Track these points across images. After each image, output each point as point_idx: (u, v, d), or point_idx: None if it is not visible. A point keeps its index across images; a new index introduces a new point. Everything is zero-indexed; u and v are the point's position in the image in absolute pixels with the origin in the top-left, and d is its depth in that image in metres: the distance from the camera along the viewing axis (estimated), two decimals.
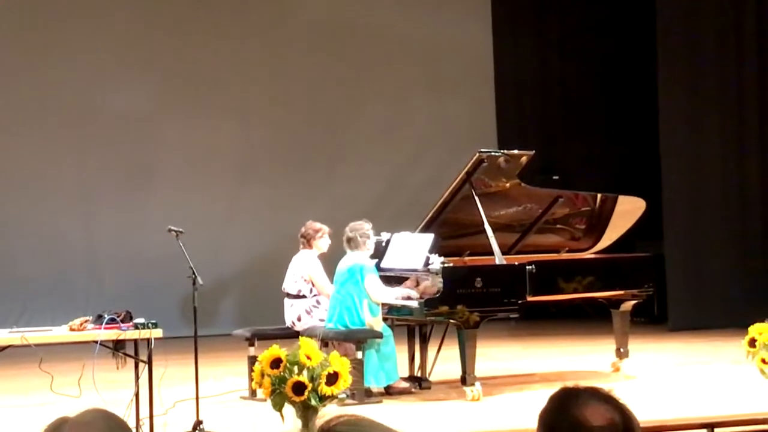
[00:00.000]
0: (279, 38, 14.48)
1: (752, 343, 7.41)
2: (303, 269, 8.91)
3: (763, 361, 7.29)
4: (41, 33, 13.69)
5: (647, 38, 13.99)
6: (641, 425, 2.48)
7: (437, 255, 8.38)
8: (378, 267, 8.72)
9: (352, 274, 8.26)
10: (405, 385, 8.70)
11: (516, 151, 8.98)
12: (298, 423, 6.90)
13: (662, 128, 13.56)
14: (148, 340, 7.41)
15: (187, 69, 14.17)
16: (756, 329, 7.45)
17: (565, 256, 9.62)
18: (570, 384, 2.55)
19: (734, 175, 13.67)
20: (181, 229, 8.19)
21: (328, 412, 2.63)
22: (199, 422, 7.43)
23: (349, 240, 8.43)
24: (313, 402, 6.82)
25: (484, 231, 8.65)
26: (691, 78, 13.61)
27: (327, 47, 14.64)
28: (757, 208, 13.69)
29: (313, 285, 8.85)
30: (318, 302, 8.84)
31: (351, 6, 14.72)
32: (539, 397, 2.69)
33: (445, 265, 8.27)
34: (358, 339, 8.16)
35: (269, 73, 14.46)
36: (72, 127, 13.78)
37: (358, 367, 7.89)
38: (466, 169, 8.77)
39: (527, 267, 8.46)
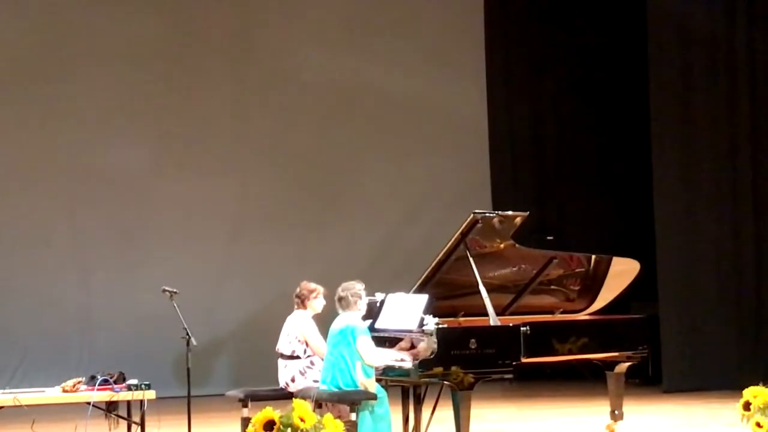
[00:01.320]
0: (274, 98, 14.55)
1: (747, 406, 7.38)
2: (297, 330, 8.88)
3: (758, 425, 7.26)
4: (34, 92, 13.74)
5: (641, 98, 14.09)
6: None
7: (432, 316, 8.36)
8: (372, 327, 8.69)
9: (344, 335, 8.22)
10: None
11: (510, 212, 9.00)
12: None
13: (656, 189, 13.62)
14: (141, 401, 7.39)
15: (182, 128, 14.22)
16: (751, 392, 7.42)
17: (559, 317, 9.61)
18: None
19: (728, 237, 13.70)
20: (175, 290, 8.22)
21: None
22: None
23: (341, 299, 8.40)
24: None
25: (478, 292, 8.64)
26: (685, 140, 13.69)
27: (322, 107, 14.72)
28: (751, 269, 13.70)
29: (307, 345, 8.82)
30: (312, 363, 8.80)
31: (347, 66, 14.80)
32: None
33: (440, 326, 8.26)
34: (352, 400, 8.12)
35: (264, 133, 14.51)
36: (65, 186, 13.79)
37: (351, 429, 7.84)
38: (460, 230, 8.78)
39: (522, 328, 8.45)
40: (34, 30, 13.83)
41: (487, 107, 15.26)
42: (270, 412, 6.90)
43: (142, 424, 7.41)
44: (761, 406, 7.37)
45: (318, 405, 8.10)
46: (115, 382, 7.52)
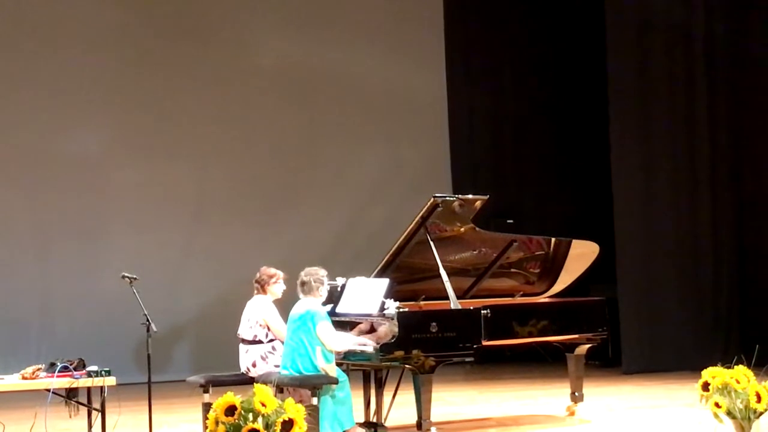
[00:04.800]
0: (234, 83, 14.50)
1: (705, 386, 7.43)
2: (258, 314, 8.86)
3: (717, 405, 7.32)
4: None
5: (600, 85, 14.15)
6: None
7: (392, 300, 8.38)
8: (333, 312, 8.70)
9: (304, 321, 8.22)
10: (361, 431, 8.67)
11: (470, 196, 9.03)
12: None
13: (614, 173, 13.69)
14: (102, 388, 7.37)
15: (141, 114, 14.14)
16: (709, 373, 7.47)
17: (519, 300, 9.66)
18: None
19: (686, 220, 13.82)
20: (134, 276, 8.18)
21: None
22: None
23: (303, 284, 8.40)
24: None
25: (439, 275, 8.67)
26: (643, 124, 13.78)
27: (283, 92, 14.68)
28: (708, 251, 13.83)
29: (268, 329, 8.81)
30: (273, 348, 8.80)
31: (307, 51, 14.76)
32: None
33: (401, 310, 8.28)
34: (313, 385, 8.12)
35: (223, 118, 14.46)
36: (25, 173, 13.69)
37: (313, 414, 7.84)
38: (421, 214, 8.81)
39: (482, 311, 8.49)
40: None
41: (447, 92, 15.30)
42: (231, 397, 6.88)
43: (102, 411, 7.38)
44: (720, 386, 7.43)
45: (279, 390, 8.10)
46: (75, 369, 7.48)
